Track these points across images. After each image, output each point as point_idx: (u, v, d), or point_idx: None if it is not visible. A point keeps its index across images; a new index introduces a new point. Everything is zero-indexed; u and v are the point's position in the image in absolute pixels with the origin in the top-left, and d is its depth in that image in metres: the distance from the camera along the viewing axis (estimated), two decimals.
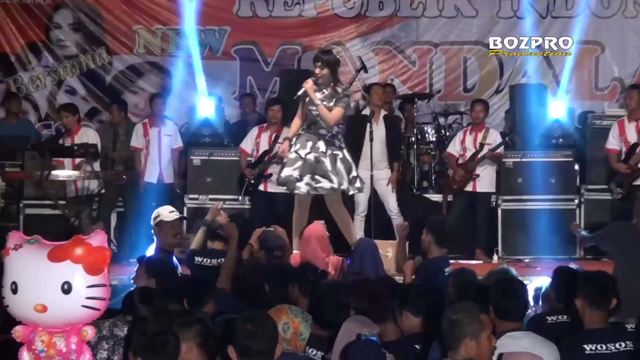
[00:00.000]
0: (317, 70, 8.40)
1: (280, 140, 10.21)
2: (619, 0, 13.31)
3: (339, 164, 8.38)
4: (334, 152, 8.38)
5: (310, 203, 8.56)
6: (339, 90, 8.44)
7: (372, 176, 10.27)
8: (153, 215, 7.53)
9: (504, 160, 11.15)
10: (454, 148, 11.06)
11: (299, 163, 8.35)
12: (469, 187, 10.83)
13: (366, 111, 11.15)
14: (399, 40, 13.72)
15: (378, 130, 10.68)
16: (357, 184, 8.50)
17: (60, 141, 11.21)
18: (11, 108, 12.54)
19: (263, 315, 4.51)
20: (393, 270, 8.68)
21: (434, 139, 12.15)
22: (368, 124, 10.51)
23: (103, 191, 11.04)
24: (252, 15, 13.61)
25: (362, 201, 10.60)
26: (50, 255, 4.20)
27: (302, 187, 8.35)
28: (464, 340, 4.26)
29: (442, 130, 12.28)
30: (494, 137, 10.98)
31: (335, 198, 8.56)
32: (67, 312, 4.20)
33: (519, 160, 11.21)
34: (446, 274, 7.20)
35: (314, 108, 8.38)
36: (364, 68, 12.46)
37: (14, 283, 4.28)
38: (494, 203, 11.14)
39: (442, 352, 4.54)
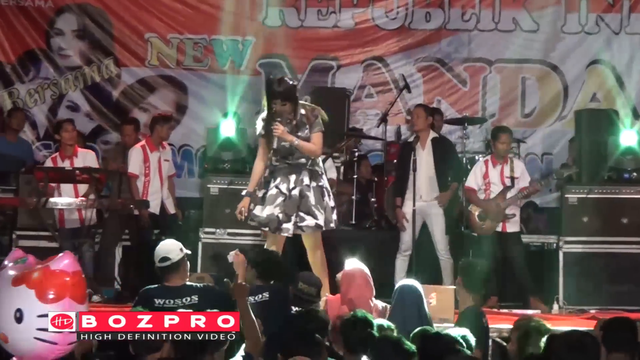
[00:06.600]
0: (278, 107, 8.24)
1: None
2: None
3: (326, 197, 8.31)
4: (319, 184, 8.30)
5: (284, 241, 8.45)
6: (304, 112, 8.37)
7: (414, 211, 10.29)
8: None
9: (567, 196, 10.62)
10: (474, 182, 10.60)
11: (280, 199, 8.19)
12: (498, 228, 10.41)
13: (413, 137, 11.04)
14: (447, 57, 13.36)
15: (425, 157, 10.58)
16: (333, 216, 8.35)
17: (49, 162, 10.85)
18: (12, 123, 12.17)
19: None
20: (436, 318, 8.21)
21: None
22: (413, 152, 10.40)
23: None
24: (280, 24, 13.29)
25: (406, 239, 10.50)
26: (14, 278, 4.06)
27: (290, 229, 8.19)
28: None
29: None
30: (521, 168, 10.68)
31: (315, 238, 8.38)
32: (22, 344, 3.99)
33: (584, 196, 10.61)
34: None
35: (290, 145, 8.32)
36: (407, 87, 12.27)
37: None
38: (555, 245, 10.71)
39: None
